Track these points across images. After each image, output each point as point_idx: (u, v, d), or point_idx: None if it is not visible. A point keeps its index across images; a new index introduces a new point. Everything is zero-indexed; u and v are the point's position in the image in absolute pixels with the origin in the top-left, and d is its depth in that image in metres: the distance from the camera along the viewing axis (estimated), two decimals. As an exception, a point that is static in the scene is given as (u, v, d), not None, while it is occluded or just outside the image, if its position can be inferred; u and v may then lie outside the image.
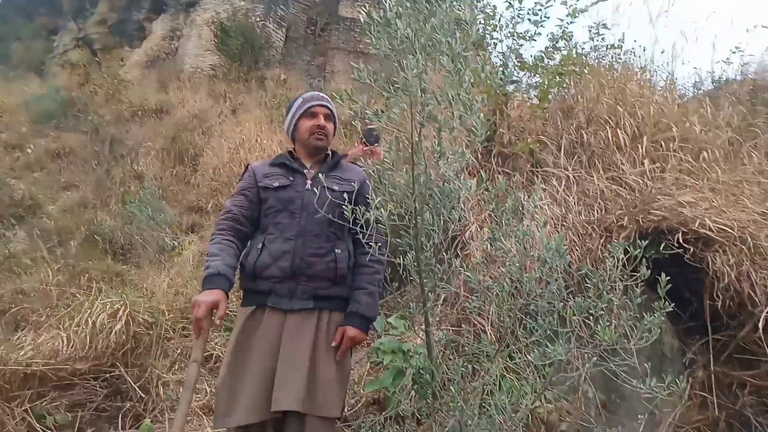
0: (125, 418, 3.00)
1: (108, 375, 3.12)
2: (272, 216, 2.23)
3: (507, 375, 2.87)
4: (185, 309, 3.93)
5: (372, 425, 2.82)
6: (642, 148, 3.98)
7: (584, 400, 2.84)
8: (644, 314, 1.96)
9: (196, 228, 7.11)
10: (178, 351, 3.56)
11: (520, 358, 2.96)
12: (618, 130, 4.14)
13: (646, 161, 3.88)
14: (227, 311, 2.10)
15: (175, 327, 3.70)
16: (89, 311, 3.23)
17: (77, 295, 3.66)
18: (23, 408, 2.74)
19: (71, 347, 3.09)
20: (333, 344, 2.14)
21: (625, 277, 2.06)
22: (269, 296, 2.15)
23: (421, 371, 2.44)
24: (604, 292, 2.00)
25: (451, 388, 2.02)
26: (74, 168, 9.11)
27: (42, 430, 2.73)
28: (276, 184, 2.25)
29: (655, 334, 1.97)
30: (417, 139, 2.05)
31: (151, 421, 2.85)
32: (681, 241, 3.14)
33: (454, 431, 2.13)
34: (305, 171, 2.30)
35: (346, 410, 2.97)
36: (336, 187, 2.16)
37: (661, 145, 4.00)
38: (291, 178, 2.27)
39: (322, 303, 2.18)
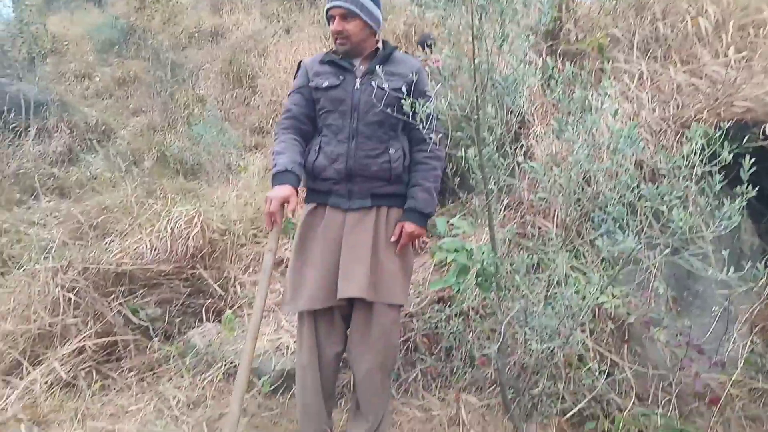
0: (208, 313, 3.25)
1: (189, 275, 3.35)
2: (325, 117, 2.23)
3: (572, 273, 2.86)
4: (254, 219, 4.11)
5: (438, 321, 2.93)
6: (726, 36, 3.65)
7: (654, 297, 2.80)
8: (723, 202, 1.86)
9: (259, 147, 7.28)
10: (251, 256, 3.75)
11: (586, 256, 2.94)
12: (699, 18, 3.80)
13: (730, 50, 3.56)
14: (297, 205, 2.16)
15: (246, 234, 3.89)
16: (167, 219, 3.43)
17: (155, 206, 3.86)
18: (118, 302, 3.01)
19: (154, 251, 3.32)
20: (392, 239, 2.18)
21: (704, 162, 1.95)
22: (329, 196, 2.21)
23: (484, 266, 2.48)
24: (680, 179, 1.91)
25: (516, 277, 2.03)
26: (140, 94, 9.40)
27: (136, 321, 3.01)
28: (326, 84, 2.20)
29: (735, 222, 1.88)
30: (477, 23, 1.95)
31: (233, 313, 3.06)
32: (768, 133, 2.93)
33: (518, 320, 2.16)
34: (354, 69, 2.22)
35: (411, 307, 3.08)
36: (387, 84, 2.07)
37: (749, 32, 3.65)
38: (341, 77, 2.20)
39: (379, 201, 2.21)
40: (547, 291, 2.23)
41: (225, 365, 2.78)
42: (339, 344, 2.26)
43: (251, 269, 3.66)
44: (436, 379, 2.93)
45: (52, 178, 6.69)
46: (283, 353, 2.81)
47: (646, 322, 2.62)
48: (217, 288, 3.33)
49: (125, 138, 7.64)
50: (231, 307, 3.26)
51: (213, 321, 3.20)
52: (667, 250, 2.01)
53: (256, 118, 8.12)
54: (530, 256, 2.25)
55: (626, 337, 2.82)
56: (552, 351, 2.27)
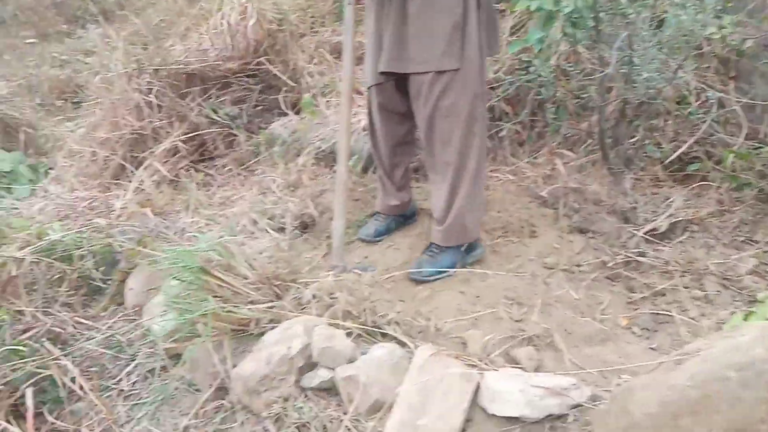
0: (283, 106, 3.23)
1: (257, 71, 3.27)
2: None
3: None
4: (308, 7, 3.85)
5: (521, 83, 2.76)
6: None
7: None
8: None
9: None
10: (312, 46, 3.57)
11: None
12: None
13: None
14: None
15: (304, 23, 3.68)
16: (221, 13, 3.25)
17: (203, 4, 3.65)
18: (197, 103, 3.01)
19: (216, 49, 3.21)
20: None
21: None
22: None
23: (577, 8, 2.21)
24: None
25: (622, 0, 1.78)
26: None
27: (218, 120, 3.03)
28: None
29: None
30: None
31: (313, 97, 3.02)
32: None
33: (621, 51, 1.96)
34: None
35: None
36: None
37: None
38: None
39: None
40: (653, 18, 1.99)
41: (313, 150, 2.80)
42: (395, 122, 2.18)
43: (315, 59, 3.51)
44: (523, 145, 2.88)
45: (90, 3, 6.43)
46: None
47: (765, 45, 2.33)
48: (287, 80, 3.24)
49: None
50: (297, 95, 3.21)
51: (290, 113, 3.18)
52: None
53: None
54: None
55: (733, 74, 2.58)
56: (658, 89, 2.12)
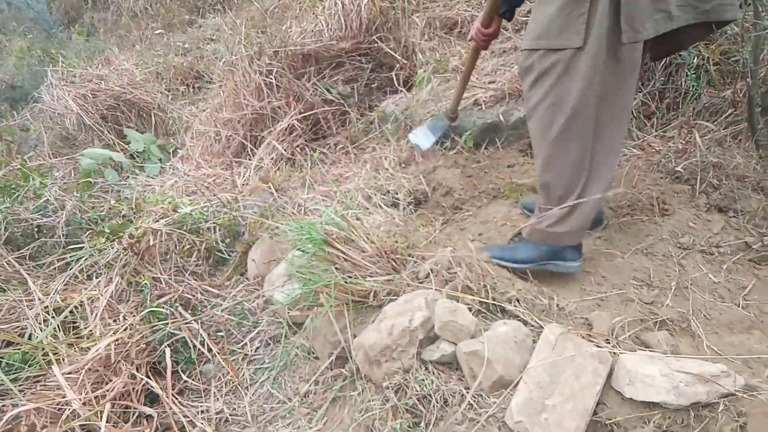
0: (395, 84, 3.22)
1: (369, 49, 3.29)
2: None
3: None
4: (418, -16, 3.80)
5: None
6: None
7: None
8: None
9: None
10: (423, 23, 3.53)
11: None
12: None
13: None
14: None
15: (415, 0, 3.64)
16: (334, -6, 3.30)
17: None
18: (311, 83, 3.09)
19: (330, 29, 3.26)
20: None
21: None
22: None
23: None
24: None
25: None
26: None
27: (332, 98, 3.09)
28: None
29: None
30: None
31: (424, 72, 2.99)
32: None
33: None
34: None
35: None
36: None
37: None
38: None
39: None
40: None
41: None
42: None
43: (426, 36, 3.47)
44: (650, 118, 2.66)
45: (211, -6, 6.82)
46: (482, 107, 2.71)
47: None
48: (399, 57, 3.23)
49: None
50: (416, 74, 3.17)
51: (402, 90, 3.17)
52: None
53: None
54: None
55: None
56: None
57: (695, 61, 2.43)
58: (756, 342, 1.59)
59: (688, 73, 2.43)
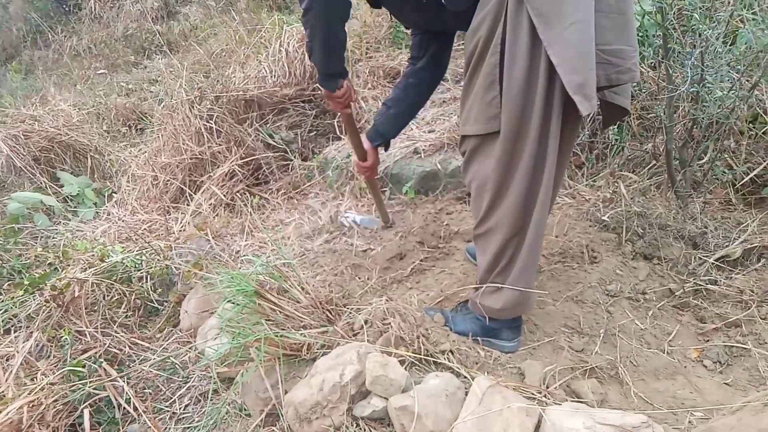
0: (337, 131, 3.26)
1: (312, 96, 3.32)
2: None
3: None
4: (362, 33, 3.90)
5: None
6: None
7: None
8: None
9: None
10: (367, 71, 3.61)
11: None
12: None
13: None
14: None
15: (359, 50, 3.72)
16: (279, 41, 3.34)
17: (263, 33, 3.76)
18: (254, 128, 3.09)
19: (274, 76, 3.29)
20: None
21: None
22: None
23: (642, 25, 2.14)
24: None
25: (694, 15, 1.71)
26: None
27: (273, 144, 3.09)
28: None
29: None
30: None
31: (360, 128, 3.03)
32: None
33: (694, 70, 1.88)
34: None
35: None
36: None
37: None
38: None
39: None
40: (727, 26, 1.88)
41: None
42: None
43: (369, 84, 3.54)
44: (581, 168, 2.78)
45: (156, 35, 6.79)
46: (421, 155, 2.77)
47: None
48: (342, 105, 3.27)
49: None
50: (358, 122, 3.22)
51: (344, 137, 3.21)
52: None
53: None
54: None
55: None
56: (730, 108, 2.00)
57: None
58: (680, 387, 1.64)
59: (612, 128, 2.57)
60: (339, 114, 2.61)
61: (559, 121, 1.41)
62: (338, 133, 3.24)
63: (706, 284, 1.97)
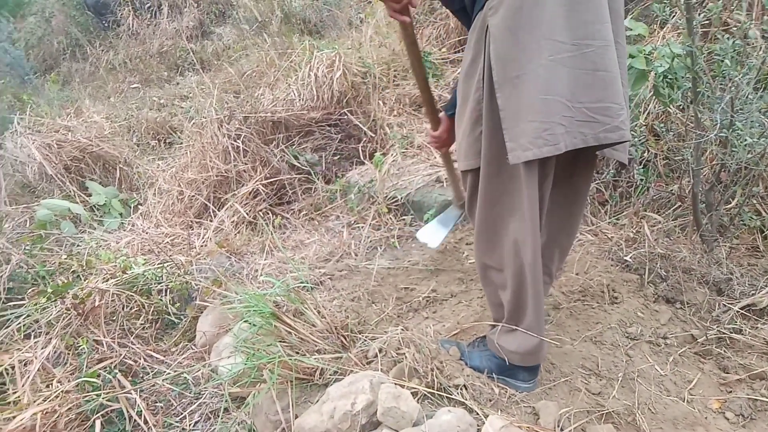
0: (362, 155, 3.29)
1: (338, 120, 3.37)
2: None
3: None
4: (390, 61, 3.96)
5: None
6: None
7: None
8: None
9: (378, -4, 6.90)
10: (393, 99, 3.66)
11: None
12: None
13: None
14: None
15: (386, 77, 3.78)
16: (309, 65, 3.41)
17: (294, 57, 3.84)
18: (279, 149, 3.14)
19: (302, 99, 3.35)
20: None
21: None
22: None
23: (673, 64, 2.13)
24: None
25: (726, 61, 1.70)
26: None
27: (298, 166, 3.13)
28: None
29: None
30: None
31: (383, 154, 3.06)
32: None
33: (723, 115, 1.86)
34: None
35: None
36: None
37: None
38: None
39: None
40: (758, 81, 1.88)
41: (386, 200, 2.82)
42: None
43: (395, 111, 3.59)
44: (605, 205, 2.76)
45: (190, 53, 6.97)
46: (443, 184, 2.78)
47: None
48: (367, 131, 3.32)
49: (249, 4, 7.63)
50: (381, 148, 3.25)
51: (367, 162, 3.24)
52: None
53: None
54: (734, 41, 1.87)
55: None
56: (760, 154, 1.97)
57: (645, 155, 2.56)
58: (699, 439, 1.59)
59: (637, 167, 2.55)
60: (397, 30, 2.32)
61: (547, 161, 1.41)
62: (362, 158, 3.27)
63: (731, 332, 1.92)
